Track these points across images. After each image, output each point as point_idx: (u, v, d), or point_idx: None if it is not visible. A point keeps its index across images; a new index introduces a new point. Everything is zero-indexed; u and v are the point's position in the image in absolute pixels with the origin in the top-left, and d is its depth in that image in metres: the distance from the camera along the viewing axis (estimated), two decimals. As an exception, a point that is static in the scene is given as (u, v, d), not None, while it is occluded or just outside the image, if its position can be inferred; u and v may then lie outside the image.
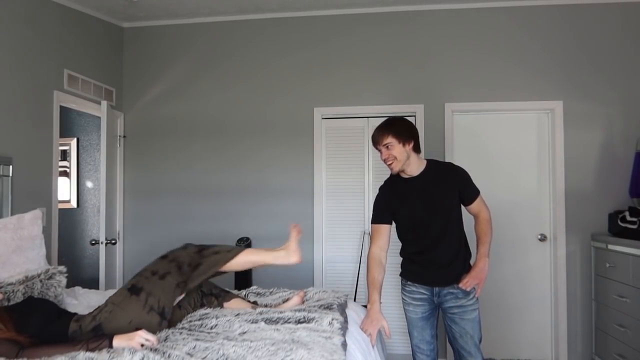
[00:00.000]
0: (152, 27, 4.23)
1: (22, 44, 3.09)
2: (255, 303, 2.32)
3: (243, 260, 2.08)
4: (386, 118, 2.40)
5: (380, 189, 2.45)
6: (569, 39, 3.74)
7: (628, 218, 3.27)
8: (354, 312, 2.30)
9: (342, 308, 2.14)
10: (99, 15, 3.93)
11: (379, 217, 2.37)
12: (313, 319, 1.86)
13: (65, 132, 4.72)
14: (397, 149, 2.24)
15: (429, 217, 2.30)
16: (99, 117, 3.75)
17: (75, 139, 4.85)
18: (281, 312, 1.95)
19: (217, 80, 4.14)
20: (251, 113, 4.07)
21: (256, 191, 4.03)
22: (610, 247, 3.33)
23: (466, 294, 2.32)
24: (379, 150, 2.31)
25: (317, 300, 2.28)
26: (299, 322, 1.85)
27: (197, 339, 1.64)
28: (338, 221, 3.93)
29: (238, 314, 1.95)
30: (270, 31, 4.07)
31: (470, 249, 2.47)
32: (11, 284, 2.16)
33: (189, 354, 1.51)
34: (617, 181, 3.61)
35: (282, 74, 4.05)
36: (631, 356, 3.03)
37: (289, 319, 1.87)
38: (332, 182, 3.95)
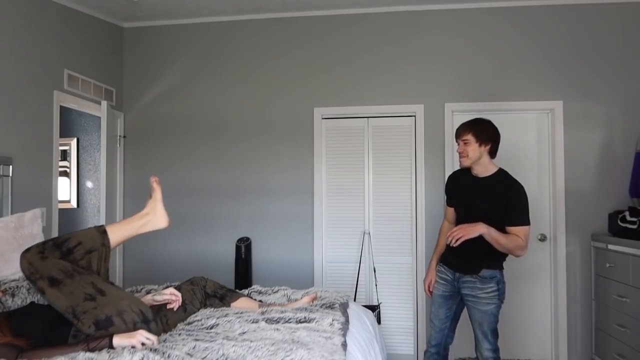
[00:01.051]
0: (152, 27, 4.23)
1: (22, 44, 3.09)
2: (260, 302, 2.32)
3: (115, 243, 1.88)
4: (475, 117, 2.61)
5: (449, 176, 2.78)
6: (569, 39, 3.74)
7: (628, 218, 3.27)
8: (355, 312, 2.30)
9: (343, 308, 2.14)
10: (99, 15, 3.93)
11: (447, 199, 2.76)
12: (314, 319, 1.86)
13: (65, 132, 4.72)
14: (473, 147, 2.46)
15: (472, 215, 2.45)
16: (99, 117, 3.75)
17: (75, 139, 4.85)
18: (282, 312, 1.95)
19: (217, 80, 4.14)
20: (251, 113, 4.08)
21: (256, 191, 4.03)
22: (610, 247, 3.33)
23: (482, 286, 2.47)
24: (457, 143, 2.52)
25: (319, 300, 2.28)
26: (299, 322, 1.85)
27: (196, 339, 1.64)
28: (338, 221, 3.93)
29: (238, 314, 1.95)
30: (270, 31, 4.07)
31: (503, 264, 2.59)
32: (15, 280, 2.17)
33: (188, 354, 1.51)
34: (617, 181, 3.61)
35: (282, 73, 4.05)
36: (631, 356, 3.03)
37: (289, 319, 1.87)
38: (332, 182, 3.95)
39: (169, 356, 1.47)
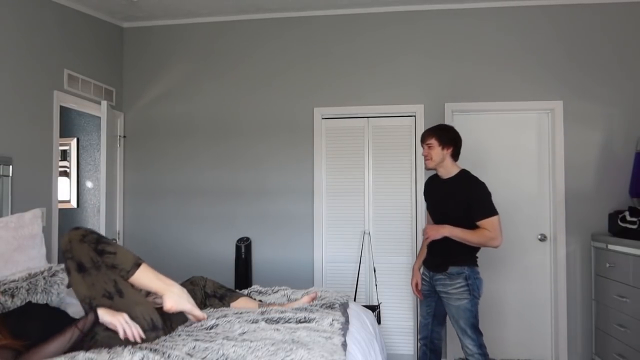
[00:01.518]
0: (152, 27, 4.23)
1: (22, 44, 3.09)
2: (260, 302, 2.32)
3: (135, 280, 1.84)
4: (438, 124, 2.88)
5: (425, 182, 2.99)
6: (569, 39, 3.74)
7: (628, 218, 3.27)
8: (355, 312, 2.30)
9: (343, 308, 2.14)
10: (99, 15, 3.93)
11: (426, 203, 2.96)
12: (314, 319, 1.86)
13: (65, 132, 4.72)
14: (436, 150, 2.68)
15: (440, 215, 2.73)
16: (99, 117, 3.75)
17: (75, 139, 4.85)
18: (282, 312, 1.95)
19: (217, 80, 4.14)
20: (251, 113, 4.07)
21: (256, 191, 4.03)
22: (610, 247, 3.33)
23: (451, 282, 2.63)
24: (422, 147, 2.76)
25: (319, 300, 2.27)
26: (299, 322, 1.85)
27: (196, 339, 1.64)
28: (338, 221, 3.93)
29: (239, 314, 1.95)
30: (270, 31, 4.07)
31: (477, 261, 2.72)
32: (14, 280, 2.17)
33: (188, 354, 1.51)
34: (617, 181, 3.61)
35: (282, 73, 4.05)
36: (631, 356, 3.03)
37: (289, 319, 1.87)
38: (332, 182, 3.95)
39: (169, 356, 1.47)
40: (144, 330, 1.71)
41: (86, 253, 1.77)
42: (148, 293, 2.20)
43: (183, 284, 2.23)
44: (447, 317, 2.80)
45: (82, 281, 1.74)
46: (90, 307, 1.71)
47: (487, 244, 2.57)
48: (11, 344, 1.58)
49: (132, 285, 1.84)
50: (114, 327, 1.66)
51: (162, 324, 1.81)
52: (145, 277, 1.83)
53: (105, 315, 1.67)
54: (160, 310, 1.90)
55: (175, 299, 1.84)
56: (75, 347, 1.64)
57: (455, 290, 2.62)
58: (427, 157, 2.71)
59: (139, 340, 1.66)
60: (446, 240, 2.59)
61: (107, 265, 1.79)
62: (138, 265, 1.83)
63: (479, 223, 2.56)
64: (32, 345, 1.60)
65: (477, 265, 2.69)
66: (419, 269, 2.93)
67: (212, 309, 2.10)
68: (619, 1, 3.67)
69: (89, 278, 1.74)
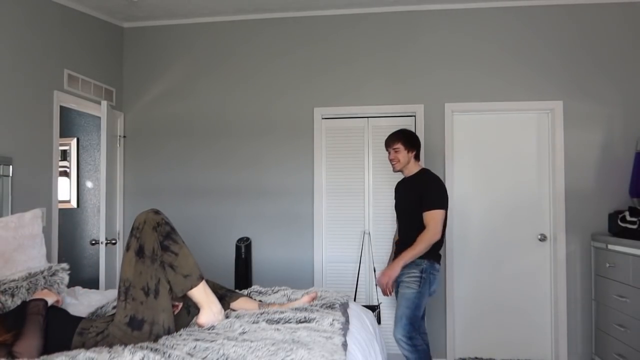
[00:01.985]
0: (152, 27, 4.23)
1: (22, 44, 3.09)
2: (260, 302, 2.31)
3: (193, 292, 1.85)
4: (399, 129, 3.09)
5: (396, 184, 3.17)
6: (569, 38, 3.74)
7: (628, 218, 3.28)
8: (355, 312, 2.30)
9: (343, 308, 2.14)
10: (99, 15, 3.93)
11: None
12: (314, 319, 1.86)
13: (65, 132, 4.72)
14: (402, 154, 2.90)
15: (402, 210, 3.01)
16: (99, 117, 3.75)
17: (75, 139, 4.85)
18: (282, 312, 1.95)
19: (217, 80, 4.14)
20: (251, 113, 4.08)
21: (256, 191, 4.03)
22: (610, 247, 3.33)
23: (406, 270, 2.79)
24: (388, 152, 2.96)
25: (319, 300, 2.27)
26: (299, 322, 1.85)
27: (197, 339, 1.64)
28: (338, 221, 3.93)
29: (239, 315, 1.95)
30: (270, 31, 4.07)
31: (438, 259, 2.92)
32: (14, 280, 2.17)
33: (189, 354, 1.51)
34: (617, 181, 3.61)
35: (282, 73, 4.05)
36: (631, 356, 3.03)
37: (290, 319, 1.87)
38: (332, 181, 3.95)
39: (169, 356, 1.47)
40: (158, 337, 1.71)
41: (152, 241, 1.78)
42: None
43: None
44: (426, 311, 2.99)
45: (134, 264, 1.76)
46: (126, 293, 1.73)
47: (431, 242, 2.74)
48: (5, 340, 1.60)
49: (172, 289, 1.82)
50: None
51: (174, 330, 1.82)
52: (202, 291, 1.86)
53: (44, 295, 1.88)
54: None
55: (212, 318, 1.86)
56: (66, 336, 1.72)
57: (407, 279, 2.79)
58: (393, 161, 2.93)
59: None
60: (408, 237, 2.82)
61: (163, 261, 1.79)
62: (202, 279, 1.86)
63: (424, 214, 2.77)
64: (18, 335, 1.64)
65: (438, 263, 2.86)
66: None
67: None
68: (619, 1, 3.68)
69: (141, 266, 1.75)
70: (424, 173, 2.95)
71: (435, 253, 2.84)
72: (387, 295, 2.85)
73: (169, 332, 1.77)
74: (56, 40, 3.42)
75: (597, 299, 3.55)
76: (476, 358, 3.78)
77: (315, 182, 3.95)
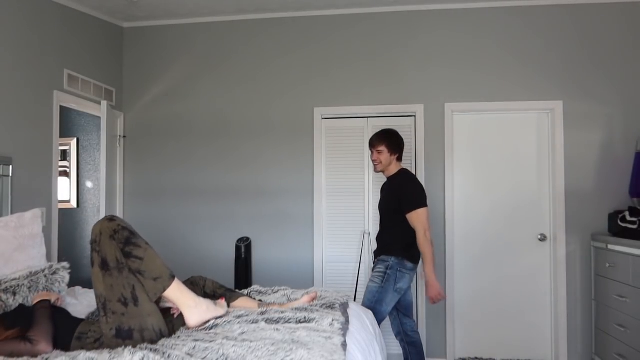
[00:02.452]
0: (152, 27, 4.23)
1: (22, 44, 3.09)
2: (260, 301, 2.31)
3: (167, 294, 1.78)
4: (382, 129, 3.09)
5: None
6: (569, 38, 3.74)
7: (628, 218, 3.27)
8: (355, 313, 2.30)
9: (343, 308, 2.14)
10: (99, 15, 3.93)
11: None
12: (314, 319, 1.86)
13: (65, 132, 4.72)
14: (385, 156, 2.93)
15: (381, 210, 3.05)
16: (99, 117, 3.75)
17: (75, 139, 4.85)
18: (282, 312, 1.95)
19: (217, 80, 4.14)
20: (251, 113, 4.08)
21: (256, 191, 4.03)
22: (610, 247, 3.33)
23: (375, 266, 2.91)
24: (371, 151, 3.00)
25: (319, 300, 2.27)
26: (299, 322, 1.85)
27: (196, 340, 1.64)
28: (338, 221, 3.93)
29: (239, 315, 1.94)
30: (270, 31, 4.07)
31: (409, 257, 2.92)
32: (15, 279, 2.17)
33: (188, 354, 1.51)
34: (617, 181, 3.61)
35: (282, 73, 4.05)
36: (631, 356, 3.03)
37: (289, 319, 1.87)
38: (332, 182, 3.95)
39: (169, 356, 1.47)
40: (152, 342, 1.68)
41: (113, 251, 1.71)
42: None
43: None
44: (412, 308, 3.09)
45: (102, 279, 1.70)
46: (104, 308, 1.68)
47: (428, 240, 2.78)
48: (13, 334, 1.61)
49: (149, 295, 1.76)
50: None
51: (168, 332, 1.79)
52: (177, 290, 1.77)
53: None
54: (165, 312, 1.90)
55: (197, 315, 1.79)
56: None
57: (374, 273, 2.88)
58: (376, 162, 2.97)
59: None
60: (384, 234, 2.97)
61: (131, 269, 1.72)
62: (173, 278, 1.77)
63: (407, 215, 2.80)
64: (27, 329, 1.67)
65: (409, 261, 2.85)
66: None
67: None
68: (618, 1, 3.68)
69: (110, 279, 1.69)
70: (401, 174, 2.97)
71: (406, 251, 2.85)
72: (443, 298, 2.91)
73: (162, 334, 1.74)
74: (56, 40, 3.42)
75: (597, 299, 3.55)
76: (476, 358, 3.78)
77: (315, 182, 3.95)
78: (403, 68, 3.90)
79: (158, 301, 1.83)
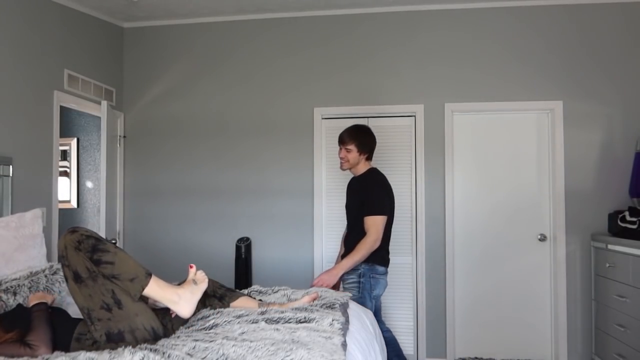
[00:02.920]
0: (152, 27, 4.23)
1: (22, 44, 3.09)
2: (260, 301, 2.31)
3: (148, 292, 1.74)
4: (357, 124, 2.92)
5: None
6: (569, 38, 3.74)
7: (628, 218, 3.28)
8: (355, 312, 2.30)
9: (343, 308, 2.13)
10: (99, 15, 3.93)
11: None
12: (314, 319, 1.86)
13: (65, 132, 4.72)
14: (353, 155, 2.77)
15: (348, 208, 2.90)
16: (99, 117, 3.75)
17: (75, 139, 4.85)
18: (282, 312, 1.95)
19: (217, 80, 4.14)
20: (251, 113, 4.08)
21: (256, 191, 4.04)
22: (610, 247, 3.33)
23: (347, 277, 2.73)
24: (340, 148, 2.81)
25: (319, 300, 2.27)
26: (299, 322, 1.85)
27: (196, 340, 1.64)
28: (338, 221, 3.92)
29: (239, 315, 1.94)
30: (270, 31, 4.07)
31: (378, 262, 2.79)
32: (16, 279, 2.18)
33: (188, 354, 1.51)
34: (617, 181, 3.61)
35: (282, 74, 4.05)
36: (631, 356, 3.03)
37: (289, 319, 1.86)
38: (332, 181, 3.95)
39: (169, 356, 1.47)
40: (146, 341, 1.67)
41: (82, 262, 1.68)
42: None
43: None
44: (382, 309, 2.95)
45: (78, 291, 1.68)
46: (89, 318, 1.67)
47: (371, 249, 2.63)
48: (12, 337, 1.61)
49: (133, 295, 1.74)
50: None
51: (163, 329, 1.78)
52: (156, 287, 1.73)
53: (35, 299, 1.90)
54: (158, 311, 1.89)
55: (184, 305, 1.76)
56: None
57: (347, 285, 2.73)
58: (343, 160, 2.80)
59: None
60: (352, 236, 2.74)
61: (104, 275, 1.69)
62: (150, 276, 1.74)
63: (365, 219, 2.66)
64: (25, 330, 1.67)
65: (380, 265, 2.73)
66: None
67: (211, 310, 2.09)
68: (619, 1, 3.68)
69: (86, 289, 1.67)
70: (370, 174, 2.81)
71: (376, 255, 2.70)
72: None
73: (155, 332, 1.73)
74: (56, 40, 3.42)
75: (597, 299, 3.55)
76: (476, 358, 3.79)
77: (315, 182, 3.95)
78: (403, 68, 3.90)
79: (146, 300, 1.82)
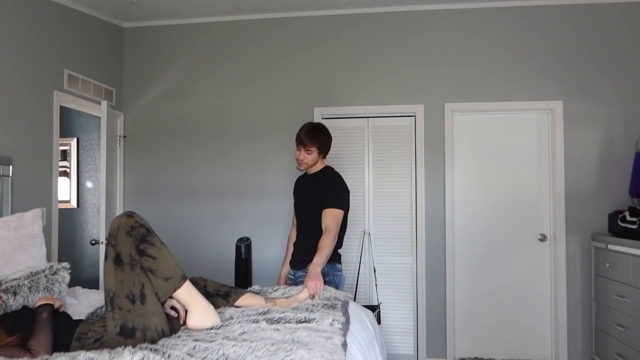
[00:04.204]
0: (152, 27, 4.23)
1: (22, 44, 3.09)
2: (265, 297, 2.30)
3: (178, 294, 1.80)
4: (313, 123, 2.80)
5: (295, 181, 3.00)
6: (569, 38, 3.74)
7: (628, 218, 3.28)
8: (355, 312, 2.29)
9: (344, 308, 2.13)
10: (99, 15, 3.93)
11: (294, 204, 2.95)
12: (314, 319, 1.86)
13: (65, 132, 4.72)
14: (313, 156, 2.72)
15: (302, 207, 2.81)
16: (99, 117, 3.75)
17: (75, 139, 4.85)
18: (282, 312, 1.95)
19: (217, 80, 4.14)
20: (251, 113, 4.08)
21: (256, 191, 4.03)
22: (610, 247, 3.33)
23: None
24: (299, 148, 2.72)
25: (319, 300, 2.27)
26: (299, 322, 1.85)
27: (196, 340, 1.64)
28: (338, 221, 3.92)
29: (238, 314, 1.94)
30: (271, 31, 4.07)
31: (339, 258, 2.80)
32: (16, 279, 2.17)
33: (189, 354, 1.51)
34: (617, 181, 3.61)
35: (282, 73, 4.05)
36: (631, 356, 3.03)
37: (290, 319, 1.87)
38: (332, 182, 3.95)
39: (169, 356, 1.47)
40: (153, 341, 1.68)
41: (128, 247, 1.72)
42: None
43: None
44: None
45: (114, 273, 1.71)
46: (111, 304, 1.69)
47: (334, 243, 2.58)
48: (13, 341, 1.61)
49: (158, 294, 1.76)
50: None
51: (169, 334, 1.79)
52: (186, 292, 1.77)
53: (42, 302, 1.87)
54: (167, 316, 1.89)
55: (200, 320, 1.79)
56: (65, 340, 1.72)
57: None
58: (301, 161, 2.73)
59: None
60: (309, 237, 2.66)
61: (143, 267, 1.73)
62: (184, 279, 1.77)
63: (324, 211, 2.60)
64: (27, 334, 1.66)
65: (338, 262, 2.74)
66: (287, 273, 2.88)
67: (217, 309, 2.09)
68: (619, 1, 3.68)
69: (121, 274, 1.70)
70: (328, 171, 2.80)
71: (335, 255, 2.71)
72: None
73: (164, 335, 1.74)
74: (56, 40, 3.42)
75: (597, 299, 3.55)
76: (476, 358, 3.79)
77: (315, 182, 3.94)
78: (403, 68, 3.90)
79: (162, 303, 1.83)
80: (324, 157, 2.82)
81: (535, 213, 3.80)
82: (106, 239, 1.79)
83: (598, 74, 3.70)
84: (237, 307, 2.12)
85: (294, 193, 2.94)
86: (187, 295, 1.77)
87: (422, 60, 3.89)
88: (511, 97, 3.78)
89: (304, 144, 2.70)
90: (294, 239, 2.89)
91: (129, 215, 1.78)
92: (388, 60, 3.92)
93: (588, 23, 3.73)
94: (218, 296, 2.17)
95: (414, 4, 3.85)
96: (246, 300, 2.14)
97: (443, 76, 3.85)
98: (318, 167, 2.80)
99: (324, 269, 2.60)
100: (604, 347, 3.43)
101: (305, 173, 2.86)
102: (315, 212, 2.66)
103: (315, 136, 2.72)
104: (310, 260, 2.51)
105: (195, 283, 2.23)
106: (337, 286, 2.68)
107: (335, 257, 2.72)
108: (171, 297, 1.82)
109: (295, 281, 2.75)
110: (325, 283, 2.54)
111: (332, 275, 2.69)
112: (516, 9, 3.79)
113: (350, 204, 3.88)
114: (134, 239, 1.73)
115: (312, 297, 2.25)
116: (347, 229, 3.89)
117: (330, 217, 2.60)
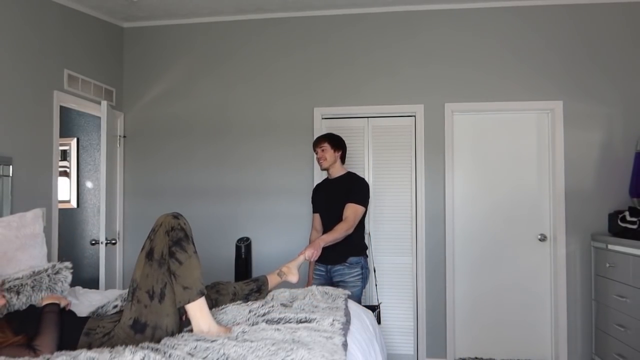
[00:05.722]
0: (152, 27, 4.23)
1: (22, 44, 3.09)
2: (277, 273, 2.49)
3: (189, 306, 1.77)
4: (327, 132, 3.24)
5: (314, 188, 3.34)
6: (569, 38, 3.74)
7: (628, 218, 3.28)
8: (355, 312, 2.30)
9: (344, 308, 2.13)
10: (99, 15, 3.93)
11: (312, 208, 3.27)
12: (314, 319, 1.86)
13: (65, 132, 4.72)
14: (329, 152, 3.07)
15: (330, 207, 3.04)
16: (99, 117, 3.75)
17: (75, 139, 4.85)
18: (283, 312, 1.95)
19: (217, 80, 4.14)
20: (251, 113, 4.08)
21: (256, 191, 4.04)
22: (610, 247, 3.33)
23: (349, 272, 2.95)
24: (316, 151, 3.12)
25: (320, 300, 2.27)
26: (300, 322, 1.85)
27: (197, 339, 1.64)
28: (338, 221, 3.93)
29: (238, 314, 1.94)
30: (270, 31, 4.08)
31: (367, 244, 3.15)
32: (19, 278, 2.18)
33: (189, 353, 1.51)
34: (617, 181, 3.62)
35: (282, 74, 4.05)
36: (631, 356, 3.03)
37: (290, 319, 1.87)
38: (332, 182, 3.95)
39: (170, 356, 1.47)
40: (159, 341, 1.68)
41: (162, 246, 1.77)
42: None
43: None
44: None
45: (142, 266, 1.77)
46: (133, 294, 1.74)
47: (345, 234, 2.85)
48: (19, 341, 1.61)
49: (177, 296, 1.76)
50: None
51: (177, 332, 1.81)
52: (197, 309, 1.75)
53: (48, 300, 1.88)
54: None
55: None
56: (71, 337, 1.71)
57: (352, 278, 2.95)
58: (321, 159, 3.09)
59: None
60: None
61: (169, 268, 1.77)
62: (201, 295, 1.77)
63: (348, 204, 2.91)
64: (34, 334, 1.66)
65: (367, 256, 3.10)
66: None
67: (215, 308, 2.10)
68: (619, 1, 3.68)
69: (149, 269, 1.75)
70: (351, 176, 3.10)
71: (365, 249, 3.06)
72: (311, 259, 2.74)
73: (172, 335, 1.75)
74: (56, 40, 3.42)
75: (597, 299, 3.55)
76: (476, 358, 3.79)
77: (315, 182, 3.93)
78: (403, 68, 3.90)
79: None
80: (342, 160, 3.14)
81: (535, 213, 3.80)
82: (150, 233, 1.83)
83: (598, 74, 3.70)
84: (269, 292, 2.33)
85: (314, 198, 3.24)
86: (198, 312, 1.77)
87: (422, 60, 3.89)
88: (511, 97, 3.78)
89: (316, 143, 3.12)
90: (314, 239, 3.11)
91: (175, 216, 1.84)
92: (388, 60, 3.92)
93: (588, 23, 3.73)
94: (254, 293, 2.30)
95: (414, 4, 3.85)
96: (273, 282, 2.36)
97: (443, 76, 3.85)
98: (340, 171, 3.12)
99: (360, 262, 2.97)
100: (604, 347, 3.43)
101: (327, 178, 3.20)
102: (340, 209, 2.95)
103: (326, 136, 3.14)
104: (351, 254, 2.95)
105: (222, 293, 2.25)
106: (366, 278, 3.01)
107: (365, 252, 3.06)
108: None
109: (327, 275, 3.03)
110: (361, 274, 2.96)
111: (365, 268, 3.00)
112: (516, 9, 3.79)
113: (350, 204, 3.94)
114: (170, 239, 1.78)
115: (306, 259, 2.60)
116: (347, 229, 3.94)
117: (351, 211, 2.90)
